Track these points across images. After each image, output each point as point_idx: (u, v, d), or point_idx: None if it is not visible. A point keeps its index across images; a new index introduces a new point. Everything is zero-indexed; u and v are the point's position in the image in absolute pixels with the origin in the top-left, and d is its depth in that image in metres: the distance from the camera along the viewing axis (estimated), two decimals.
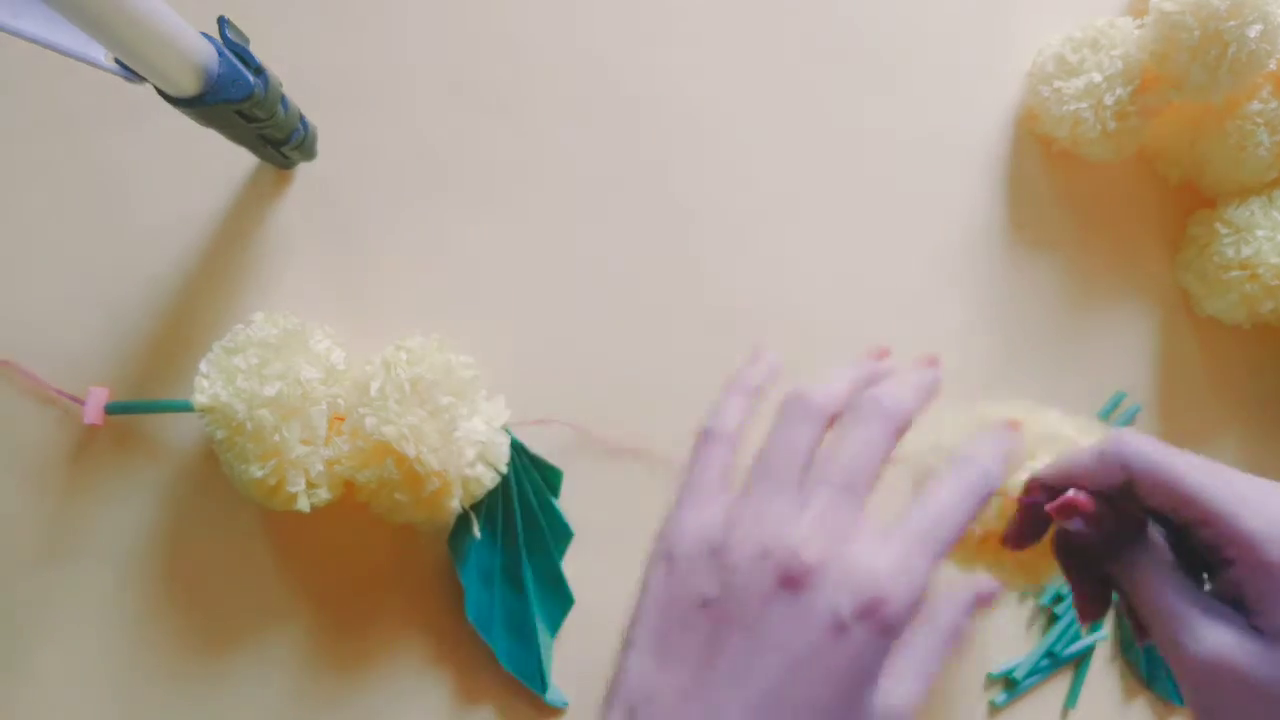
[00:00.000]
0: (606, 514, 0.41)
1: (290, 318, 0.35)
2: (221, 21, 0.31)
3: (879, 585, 0.23)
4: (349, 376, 0.36)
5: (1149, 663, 0.46)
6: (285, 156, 0.37)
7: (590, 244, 0.42)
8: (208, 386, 0.33)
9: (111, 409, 0.36)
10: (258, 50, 0.31)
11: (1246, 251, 0.45)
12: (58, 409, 0.37)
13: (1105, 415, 0.48)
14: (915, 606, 0.24)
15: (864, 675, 0.23)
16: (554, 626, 0.40)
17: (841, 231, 0.45)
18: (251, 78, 0.30)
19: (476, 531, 0.38)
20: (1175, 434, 0.49)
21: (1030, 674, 0.45)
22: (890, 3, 0.47)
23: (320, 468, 0.34)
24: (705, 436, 0.27)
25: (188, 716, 0.37)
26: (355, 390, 0.35)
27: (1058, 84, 0.44)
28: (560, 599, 0.39)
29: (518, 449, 0.39)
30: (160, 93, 0.30)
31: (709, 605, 0.24)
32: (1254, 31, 0.40)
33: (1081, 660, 0.46)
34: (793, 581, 0.23)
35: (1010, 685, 0.45)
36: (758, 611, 0.23)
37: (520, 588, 0.39)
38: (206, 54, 0.29)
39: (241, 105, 0.31)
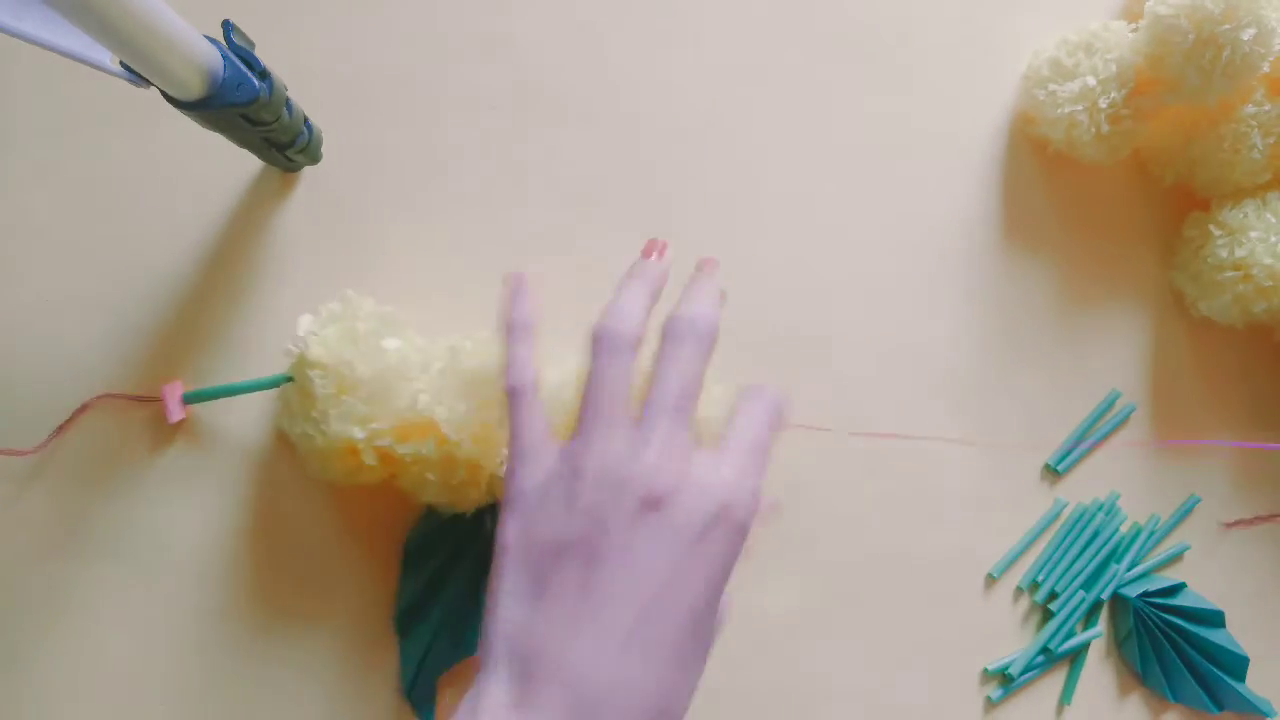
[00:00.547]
0: None
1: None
2: (226, 25, 0.31)
3: (728, 494, 0.26)
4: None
5: (1143, 659, 0.46)
6: (290, 160, 0.37)
7: (593, 244, 0.43)
8: (321, 342, 0.34)
9: (190, 398, 0.37)
10: (263, 54, 0.31)
11: (1240, 253, 0.45)
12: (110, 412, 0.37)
13: (1100, 415, 0.48)
14: (757, 505, 0.27)
15: (726, 572, 0.27)
16: (459, 652, 0.38)
17: (836, 233, 0.45)
18: (256, 81, 0.31)
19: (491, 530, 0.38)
20: (1169, 433, 0.49)
21: (1025, 670, 0.45)
22: (886, 6, 0.47)
23: (382, 441, 0.35)
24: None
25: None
26: (418, 370, 0.36)
27: (1052, 87, 0.45)
28: (469, 641, 0.38)
29: None
30: (165, 96, 0.30)
31: (575, 545, 0.25)
32: (1248, 35, 0.40)
33: (1077, 656, 0.46)
34: (653, 504, 0.25)
35: (1006, 681, 0.45)
36: (625, 539, 0.25)
37: (447, 592, 0.38)
38: (211, 57, 0.29)
39: (246, 109, 0.31)
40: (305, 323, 0.36)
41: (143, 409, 0.38)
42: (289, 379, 0.36)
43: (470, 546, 0.39)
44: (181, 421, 0.37)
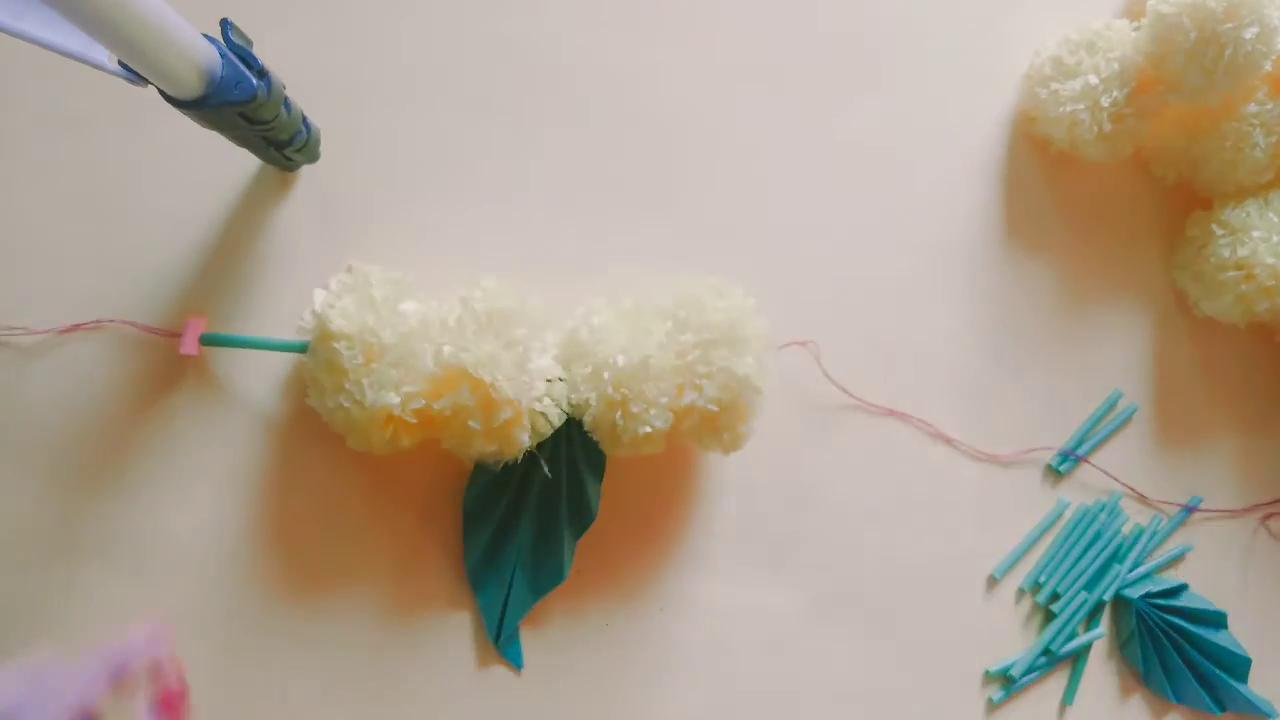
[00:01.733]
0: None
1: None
2: (224, 24, 0.31)
3: None
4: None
5: (1145, 660, 0.46)
6: (288, 159, 0.37)
7: (593, 244, 0.43)
8: (341, 313, 0.34)
9: (207, 340, 0.37)
10: (260, 52, 0.31)
11: (1242, 252, 0.45)
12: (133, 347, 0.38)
13: (1102, 414, 0.48)
14: None
15: None
16: (537, 591, 0.40)
17: (837, 232, 0.45)
18: (254, 80, 0.31)
19: (546, 470, 0.38)
20: (1171, 432, 0.49)
21: (1027, 671, 0.45)
22: (888, 6, 0.47)
23: (417, 404, 0.35)
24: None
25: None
26: (435, 329, 0.36)
27: (1055, 86, 0.44)
28: (554, 569, 0.40)
29: (572, 418, 0.39)
30: (164, 95, 0.30)
31: None
32: (1250, 34, 0.40)
33: (1078, 657, 0.46)
34: None
35: (1008, 682, 0.45)
36: None
37: (518, 542, 0.39)
38: (209, 56, 0.29)
39: (244, 107, 0.31)
40: (320, 296, 0.36)
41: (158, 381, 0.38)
42: (305, 347, 0.36)
43: (528, 490, 0.39)
44: (192, 358, 0.37)
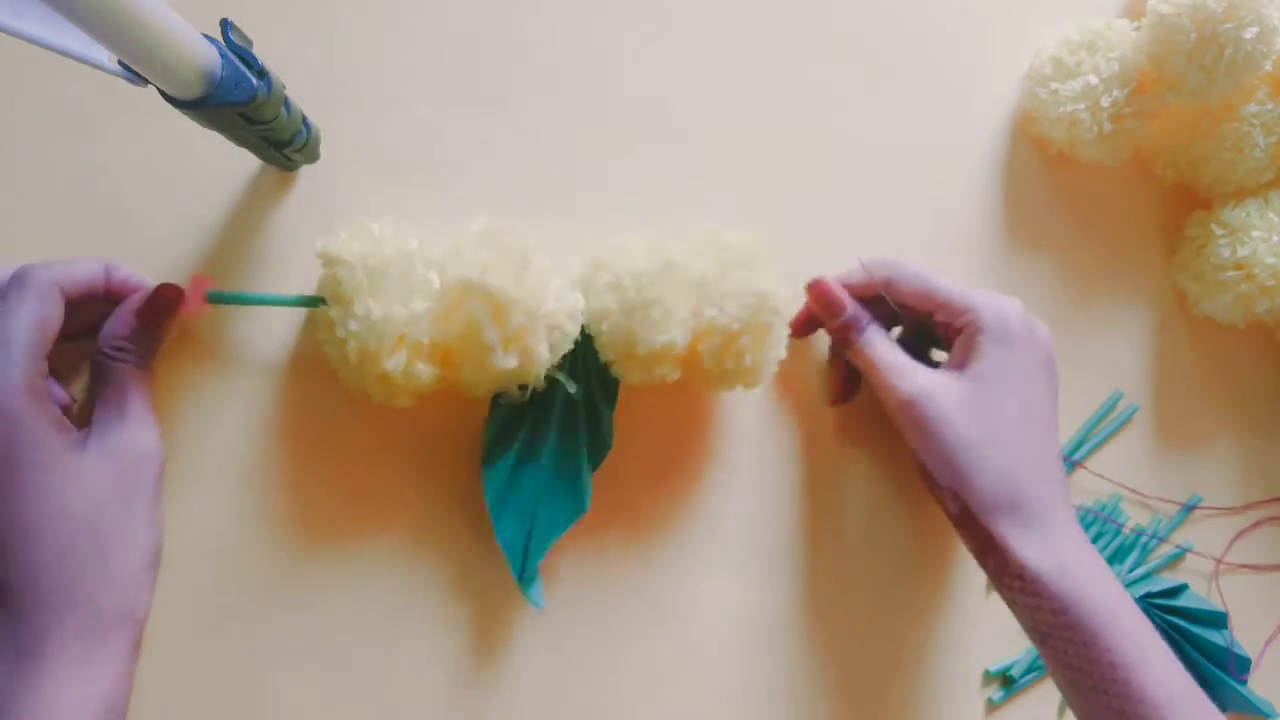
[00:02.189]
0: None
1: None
2: (224, 24, 0.31)
3: None
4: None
5: None
6: (288, 159, 0.37)
7: (593, 244, 0.42)
8: (342, 243, 0.34)
9: (213, 298, 0.36)
10: (260, 52, 0.31)
11: (1242, 252, 0.45)
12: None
13: (1103, 414, 0.48)
14: None
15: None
16: (559, 526, 0.39)
17: (839, 233, 0.45)
18: (254, 80, 0.31)
19: (569, 386, 0.38)
20: (1171, 432, 0.49)
21: (1027, 671, 0.45)
22: (888, 5, 0.47)
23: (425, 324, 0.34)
24: None
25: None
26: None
27: (1054, 86, 0.44)
28: (575, 502, 0.39)
29: (588, 345, 0.38)
30: (163, 95, 0.30)
31: None
32: (1250, 34, 0.40)
33: None
34: None
35: (1007, 682, 0.45)
36: None
37: (539, 473, 0.39)
38: (209, 56, 0.29)
39: (245, 107, 0.31)
40: (320, 241, 0.36)
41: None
42: (318, 300, 0.35)
43: (549, 419, 0.39)
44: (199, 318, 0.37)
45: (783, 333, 0.39)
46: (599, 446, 0.39)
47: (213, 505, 0.37)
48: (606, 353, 0.38)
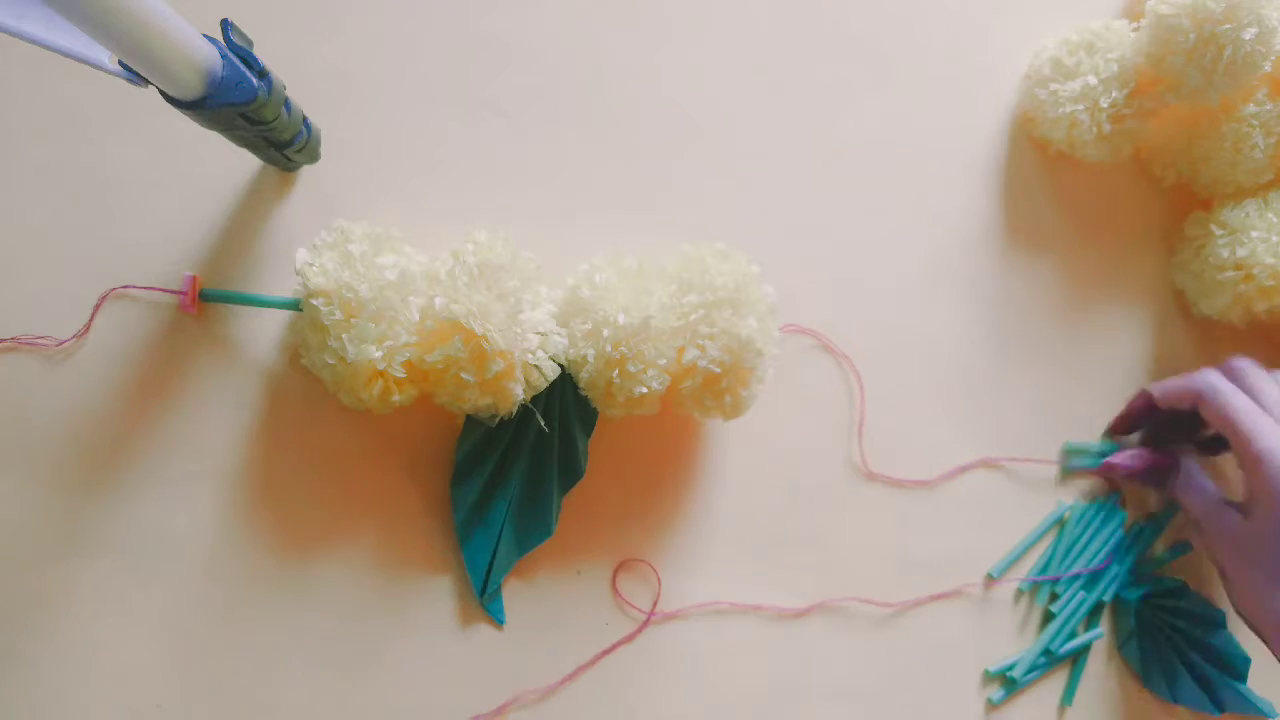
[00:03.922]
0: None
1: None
2: (225, 24, 0.31)
3: None
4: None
5: (1144, 660, 0.46)
6: (289, 159, 0.37)
7: (593, 245, 0.43)
8: (319, 271, 0.34)
9: (206, 296, 0.36)
10: (260, 53, 0.31)
11: (1241, 252, 0.45)
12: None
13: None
14: None
15: None
16: (523, 547, 0.39)
17: (839, 234, 0.45)
18: (255, 80, 0.31)
19: (543, 424, 0.38)
20: None
21: (1027, 671, 0.45)
22: (887, 6, 0.47)
23: (406, 355, 0.35)
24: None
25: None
26: (424, 283, 0.36)
27: (1054, 87, 0.44)
28: (541, 525, 0.39)
29: (566, 375, 0.38)
30: (164, 95, 0.30)
31: None
32: (1249, 34, 0.40)
33: (1078, 657, 0.46)
34: None
35: (1007, 683, 0.45)
36: None
37: (507, 498, 0.39)
38: (210, 56, 0.29)
39: (245, 108, 0.31)
40: (301, 255, 0.35)
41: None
42: (299, 305, 0.36)
43: (521, 445, 0.39)
44: (194, 314, 0.37)
45: (765, 371, 0.38)
46: (570, 475, 0.40)
47: (204, 501, 0.38)
48: (586, 389, 0.38)
